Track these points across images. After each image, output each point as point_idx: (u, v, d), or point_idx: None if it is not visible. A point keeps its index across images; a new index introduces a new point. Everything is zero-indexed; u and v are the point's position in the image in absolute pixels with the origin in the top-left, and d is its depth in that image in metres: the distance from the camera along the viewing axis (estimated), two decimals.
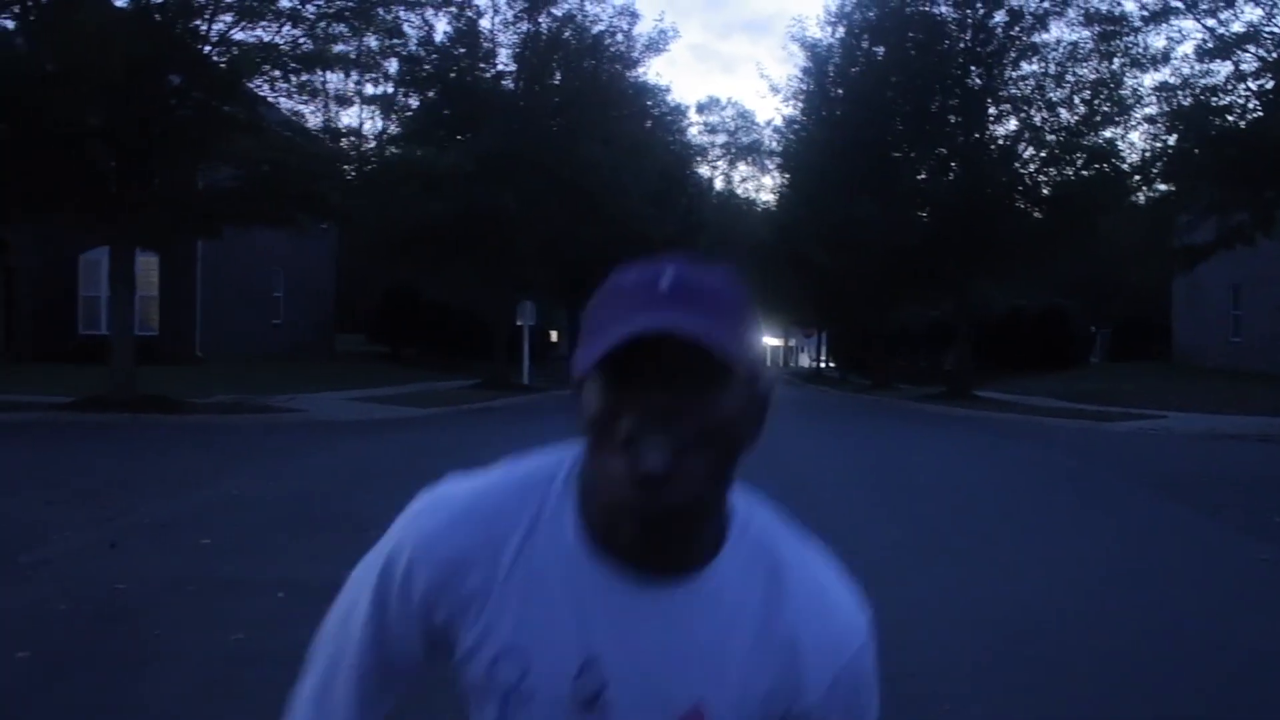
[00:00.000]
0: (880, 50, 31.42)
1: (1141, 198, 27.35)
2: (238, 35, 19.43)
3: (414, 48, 29.87)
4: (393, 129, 32.21)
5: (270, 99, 21.18)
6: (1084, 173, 28.78)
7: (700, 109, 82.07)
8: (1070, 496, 12.35)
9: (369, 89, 28.84)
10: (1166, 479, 13.62)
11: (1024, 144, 30.59)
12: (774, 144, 51.73)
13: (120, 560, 7.74)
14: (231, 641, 5.85)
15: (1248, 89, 20.92)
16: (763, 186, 79.64)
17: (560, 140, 30.87)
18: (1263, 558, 8.79)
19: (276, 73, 20.08)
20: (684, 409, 1.18)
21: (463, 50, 31.63)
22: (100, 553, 7.94)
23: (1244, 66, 20.79)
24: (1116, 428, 21.55)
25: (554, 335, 53.14)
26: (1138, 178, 26.85)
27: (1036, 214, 31.44)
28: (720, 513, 1.28)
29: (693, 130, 60.13)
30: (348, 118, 30.78)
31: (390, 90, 30.02)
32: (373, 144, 27.27)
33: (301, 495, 11.19)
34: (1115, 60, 27.12)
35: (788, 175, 42.27)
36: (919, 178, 31.79)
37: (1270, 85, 20.14)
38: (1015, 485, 13.53)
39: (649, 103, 40.05)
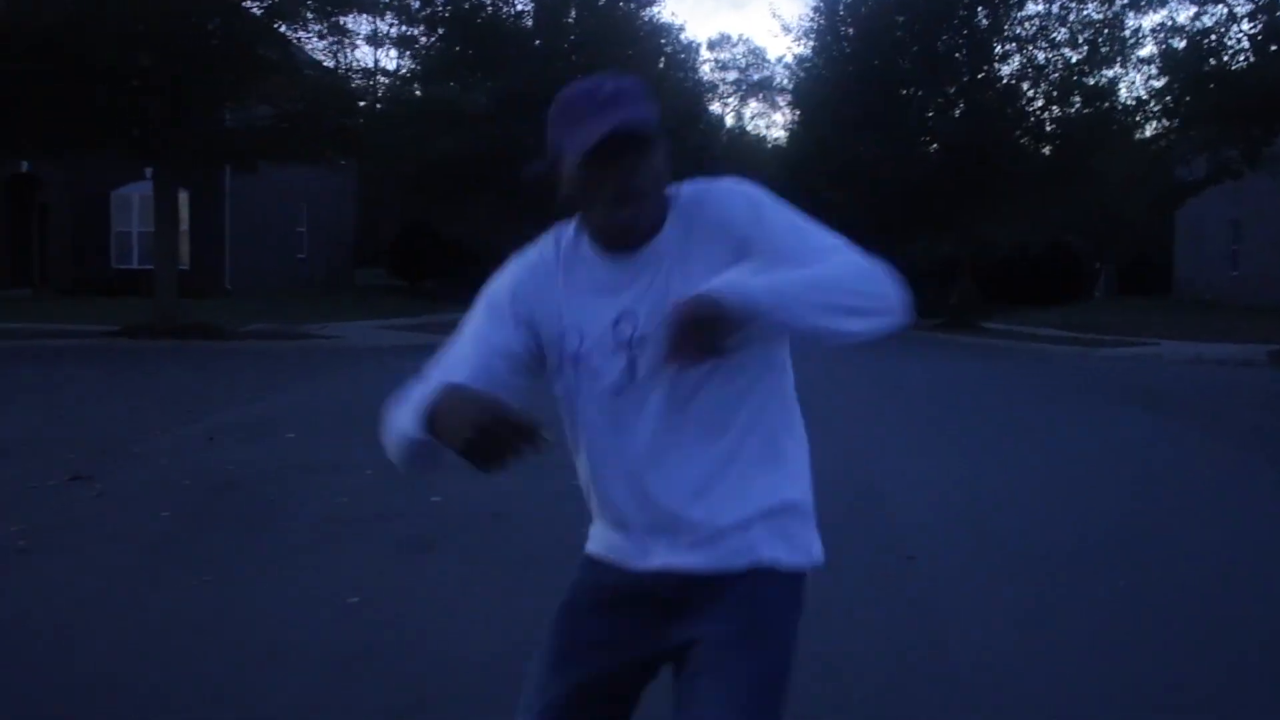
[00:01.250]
0: None
1: (1139, 136, 28.27)
2: None
3: None
4: (414, 68, 33.11)
5: (303, 40, 22.24)
6: (1084, 111, 29.72)
7: (711, 45, 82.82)
8: (1051, 404, 13.59)
9: (395, 30, 29.73)
10: (1144, 393, 14.88)
11: (1027, 83, 31.47)
12: (784, 81, 52.35)
13: (221, 450, 9.03)
14: (336, 504, 7.13)
15: (1239, 31, 21.86)
16: (773, 124, 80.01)
17: (576, 78, 31.77)
18: (1227, 455, 10.06)
19: (310, 15, 21.15)
20: (632, 175, 1.93)
21: None
22: (201, 445, 9.22)
23: (1237, 9, 21.71)
24: (1109, 353, 22.69)
25: None
26: (1136, 117, 27.81)
27: (1041, 151, 32.36)
28: (659, 206, 2.03)
29: (704, 67, 60.90)
30: (369, 57, 31.67)
31: (414, 31, 30.90)
32: (398, 83, 28.23)
33: (365, 399, 12.49)
34: (1115, 1, 28.01)
35: (798, 112, 42.91)
36: (926, 115, 32.62)
37: (1259, 28, 21.06)
38: (1000, 394, 14.81)
39: (662, 41, 40.79)
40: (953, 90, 31.78)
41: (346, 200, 43.21)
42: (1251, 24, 21.35)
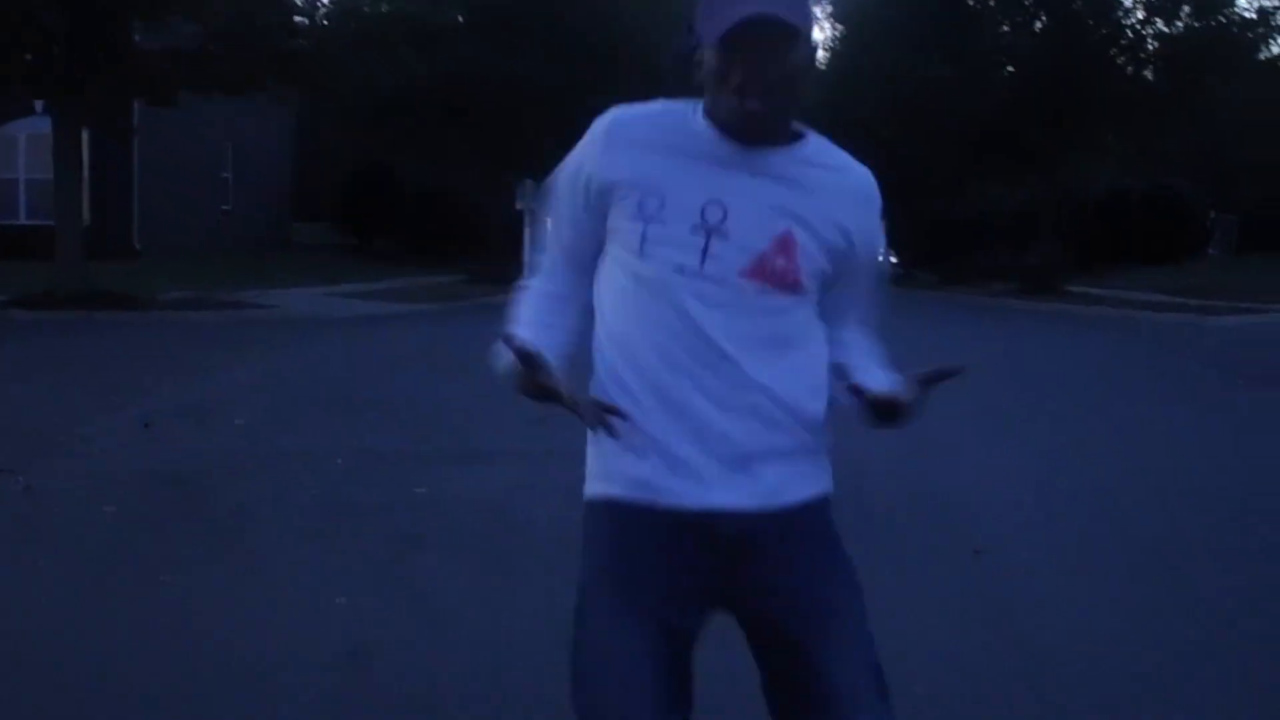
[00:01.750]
0: None
1: (1263, 55, 28.72)
2: None
3: None
4: None
5: None
6: (1195, 24, 30.19)
7: None
8: (1145, 383, 14.13)
9: None
10: (1263, 369, 15.38)
11: None
12: None
13: (161, 439, 9.58)
14: (307, 497, 7.68)
15: None
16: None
17: None
18: None
19: None
20: (770, 65, 2.34)
21: None
22: (137, 433, 9.77)
23: None
24: (1221, 322, 23.29)
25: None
26: (1260, 29, 28.28)
27: (1142, 75, 32.84)
28: (793, 116, 2.52)
29: None
30: None
31: None
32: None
33: (324, 382, 13.28)
34: None
35: (841, 27, 43.40)
36: (1001, 31, 33.08)
37: None
38: (1083, 372, 15.34)
39: None
40: (1032, 5, 32.21)
41: (282, 141, 43.80)
42: None
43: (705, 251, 2.43)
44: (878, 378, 2.54)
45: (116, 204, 32.22)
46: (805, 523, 2.54)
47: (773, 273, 2.45)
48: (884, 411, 2.49)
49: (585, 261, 2.63)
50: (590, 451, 2.58)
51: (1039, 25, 32.23)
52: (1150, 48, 32.48)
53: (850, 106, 35.44)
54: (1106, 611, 5.68)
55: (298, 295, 25.45)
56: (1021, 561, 6.54)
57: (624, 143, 2.53)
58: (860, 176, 2.57)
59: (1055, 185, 33.51)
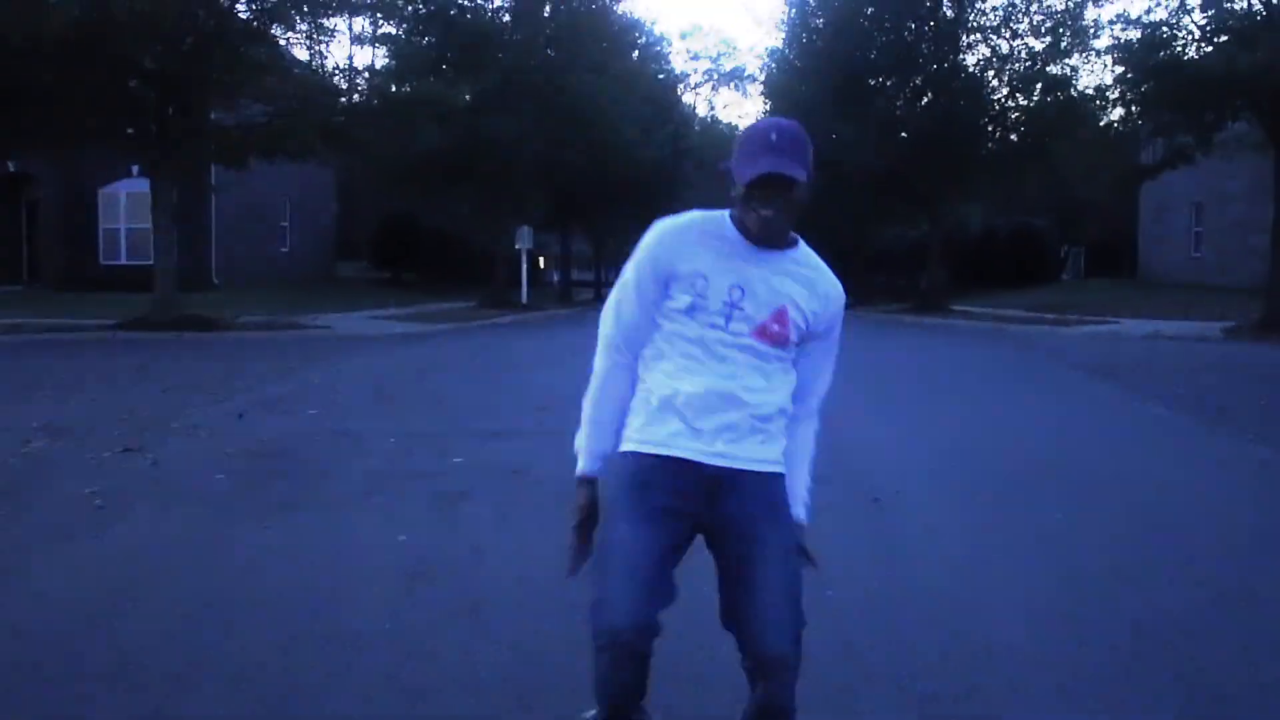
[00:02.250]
0: None
1: (1102, 123, 29.34)
2: None
3: None
4: (392, 64, 33.84)
5: (292, 40, 23.06)
6: (1045, 99, 30.84)
7: (684, 36, 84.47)
8: (1010, 377, 14.63)
9: (377, 29, 30.45)
10: (1098, 366, 15.93)
11: (992, 72, 32.55)
12: (756, 71, 53.24)
13: (252, 424, 9.93)
14: (369, 465, 8.05)
15: (1190, 22, 22.87)
16: (745, 114, 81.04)
17: (553, 71, 32.73)
18: (1156, 412, 11.11)
19: (297, 16, 21.98)
20: (780, 197, 2.82)
21: None
22: (233, 421, 10.11)
23: (1188, 1, 22.73)
24: (1070, 331, 23.83)
25: (541, 262, 54.77)
26: (1097, 103, 28.90)
27: (1007, 138, 33.45)
28: (792, 230, 2.98)
29: (677, 59, 61.83)
30: (351, 55, 32.28)
31: (395, 29, 31.62)
32: (379, 80, 28.98)
33: (374, 382, 13.65)
34: None
35: (769, 102, 43.88)
36: (895, 105, 33.61)
37: (1209, 19, 22.06)
38: (960, 368, 15.85)
39: (635, 34, 41.71)
40: (920, 80, 32.76)
41: (327, 195, 43.92)
42: (1202, 15, 22.35)
43: (729, 319, 2.93)
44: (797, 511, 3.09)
45: (199, 247, 32.36)
46: (764, 486, 2.98)
47: (771, 334, 2.94)
48: None
49: (636, 340, 3.05)
50: (629, 424, 3.04)
51: (926, 99, 32.76)
52: (1012, 118, 33.10)
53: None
54: (987, 542, 6.10)
55: (344, 319, 25.69)
56: (915, 507, 6.99)
57: (683, 242, 2.99)
58: (829, 281, 3.06)
59: (940, 225, 34.01)
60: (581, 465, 3.09)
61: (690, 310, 2.95)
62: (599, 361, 3.10)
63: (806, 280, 2.99)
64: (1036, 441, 9.47)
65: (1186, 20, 22.85)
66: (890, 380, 13.80)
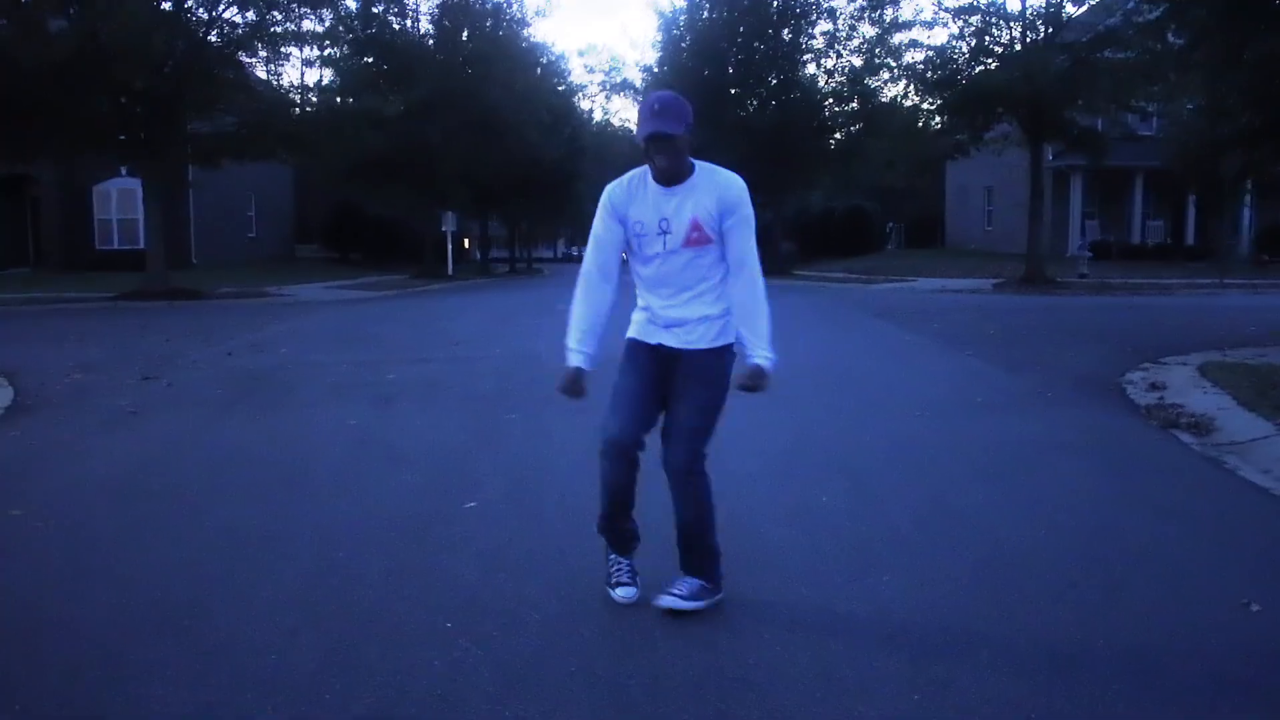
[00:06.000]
0: (715, 15, 34.06)
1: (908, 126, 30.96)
2: (233, 17, 22.06)
3: (355, 16, 32.21)
4: (335, 81, 34.30)
5: (255, 64, 23.76)
6: (858, 107, 32.49)
7: (581, 54, 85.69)
8: (820, 320, 16.05)
9: (321, 52, 30.93)
10: (882, 309, 17.50)
11: (821, 84, 33.96)
12: (639, 83, 54.00)
13: (240, 359, 10.99)
14: (328, 382, 9.20)
15: (968, 46, 24.59)
16: (631, 119, 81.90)
17: (471, 86, 33.51)
18: (911, 338, 12.65)
19: (259, 45, 22.68)
20: (667, 148, 3.18)
21: (394, 15, 34.22)
22: (224, 358, 11.15)
23: (966, 29, 24.43)
24: (875, 287, 25.34)
25: (465, 242, 54.96)
26: (902, 109, 30.57)
27: (835, 136, 34.98)
28: (686, 166, 3.28)
29: (575, 71, 62.56)
30: (299, 73, 32.58)
31: (338, 52, 32.09)
32: (327, 94, 29.58)
33: (330, 331, 14.71)
34: (886, 20, 30.81)
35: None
36: (747, 109, 34.83)
37: (971, 46, 23.93)
38: (786, 317, 17.11)
39: (539, 56, 42.49)
40: (765, 91, 34.06)
41: (287, 189, 44.02)
42: (966, 43, 24.20)
43: (665, 243, 3.38)
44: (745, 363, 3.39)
45: (181, 233, 32.48)
46: (707, 358, 3.47)
47: (693, 240, 3.34)
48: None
49: (610, 265, 3.45)
50: (632, 321, 3.57)
51: (770, 106, 34.01)
52: (838, 121, 34.62)
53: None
54: (783, 458, 6.40)
55: (303, 289, 26.28)
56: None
57: (624, 195, 3.41)
58: (719, 182, 3.35)
59: (785, 207, 35.38)
60: (568, 360, 3.43)
61: (639, 247, 3.42)
62: (580, 288, 3.48)
63: (705, 191, 3.31)
64: (821, 357, 10.76)
65: (960, 44, 24.58)
66: None
